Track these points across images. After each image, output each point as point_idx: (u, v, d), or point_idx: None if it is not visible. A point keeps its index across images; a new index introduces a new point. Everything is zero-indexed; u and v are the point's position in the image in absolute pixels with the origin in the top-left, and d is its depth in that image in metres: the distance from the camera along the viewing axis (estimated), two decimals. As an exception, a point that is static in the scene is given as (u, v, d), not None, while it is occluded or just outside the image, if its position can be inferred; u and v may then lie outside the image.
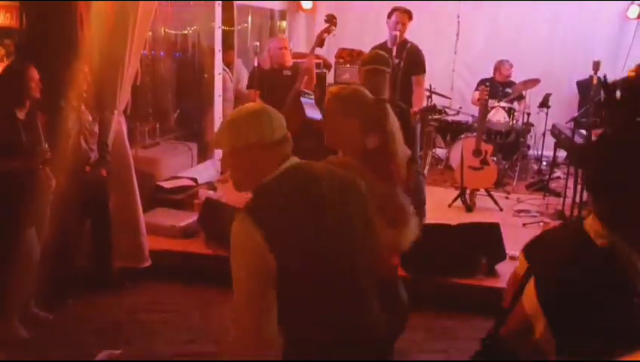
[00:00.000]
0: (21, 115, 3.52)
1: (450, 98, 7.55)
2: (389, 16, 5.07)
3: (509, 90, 7.09)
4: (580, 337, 1.32)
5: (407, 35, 5.12)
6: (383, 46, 5.07)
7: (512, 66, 7.19)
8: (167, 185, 5.46)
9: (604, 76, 3.84)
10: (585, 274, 1.35)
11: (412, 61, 5.06)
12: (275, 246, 1.63)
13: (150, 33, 4.93)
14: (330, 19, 5.24)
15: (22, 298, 3.64)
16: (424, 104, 5.43)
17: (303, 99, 5.27)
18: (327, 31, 5.22)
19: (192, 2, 5.89)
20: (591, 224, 1.40)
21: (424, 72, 5.19)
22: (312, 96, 5.42)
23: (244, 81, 6.26)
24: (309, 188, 1.78)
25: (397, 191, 2.29)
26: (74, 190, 3.81)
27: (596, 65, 6.44)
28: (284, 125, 1.83)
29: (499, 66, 7.20)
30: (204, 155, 6.51)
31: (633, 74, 3.83)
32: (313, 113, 5.39)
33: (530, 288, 1.47)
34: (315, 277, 1.71)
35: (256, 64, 5.35)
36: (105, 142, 4.16)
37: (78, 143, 3.91)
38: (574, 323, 1.33)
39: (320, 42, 5.24)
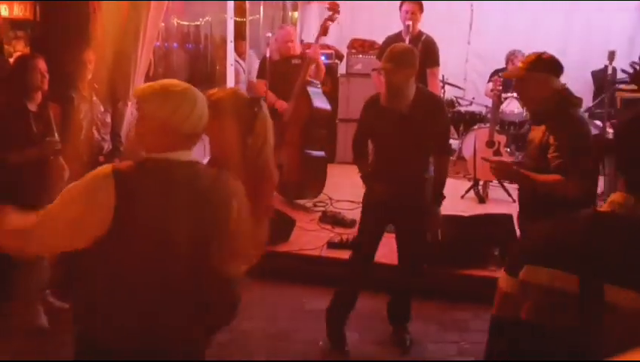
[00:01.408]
0: (32, 106, 3.53)
1: (463, 89, 7.50)
2: (400, 7, 5.06)
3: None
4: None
5: (420, 26, 5.10)
6: (397, 36, 5.06)
7: (524, 57, 7.12)
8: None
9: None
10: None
11: (427, 53, 5.04)
12: (119, 216, 1.70)
13: (162, 24, 4.93)
14: (333, 7, 5.23)
15: (37, 287, 3.67)
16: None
17: (310, 89, 5.26)
18: (331, 19, 5.21)
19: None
20: (619, 202, 1.36)
21: (438, 64, 5.19)
22: (319, 86, 5.42)
23: (256, 72, 6.26)
24: (177, 179, 1.81)
25: (266, 192, 2.20)
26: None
27: (611, 55, 6.36)
28: (202, 124, 1.84)
29: (511, 57, 7.13)
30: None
31: None
32: (321, 103, 5.39)
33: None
34: (136, 261, 1.75)
35: (267, 54, 5.35)
36: (118, 133, 4.18)
37: (90, 134, 3.94)
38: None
39: (324, 31, 5.24)
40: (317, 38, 5.32)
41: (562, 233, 1.38)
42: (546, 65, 2.83)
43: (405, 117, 3.29)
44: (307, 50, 5.48)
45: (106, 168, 1.76)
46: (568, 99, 2.87)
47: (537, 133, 2.87)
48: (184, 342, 1.88)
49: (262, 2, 7.33)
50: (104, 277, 1.78)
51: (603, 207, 1.37)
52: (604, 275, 1.25)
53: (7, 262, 3.42)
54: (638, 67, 3.27)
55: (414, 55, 3.33)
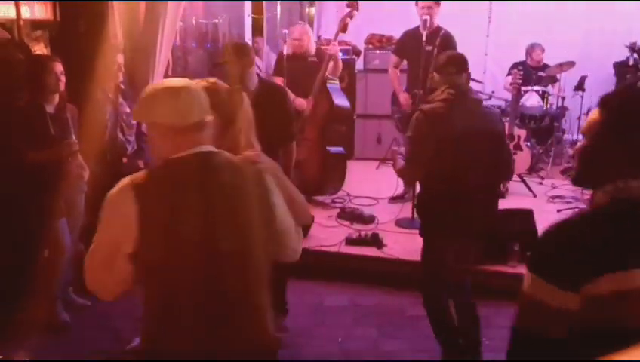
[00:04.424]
0: (50, 108, 3.56)
1: (482, 82, 7.43)
2: (416, 3, 5.03)
3: (542, 73, 6.94)
4: None
5: (438, 19, 5.07)
6: (415, 31, 5.03)
7: (543, 50, 7.03)
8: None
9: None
10: None
11: (445, 49, 5.00)
12: (144, 228, 1.67)
13: (181, 23, 4.97)
14: (352, 4, 5.20)
15: (58, 284, 3.73)
16: None
17: (329, 86, 5.26)
18: (350, 15, 5.19)
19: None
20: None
21: None
22: (337, 82, 5.41)
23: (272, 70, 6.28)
24: (201, 178, 1.75)
25: None
26: (110, 181, 3.88)
27: (633, 47, 6.26)
28: (204, 109, 1.80)
29: (530, 50, 7.05)
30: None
31: None
32: (340, 99, 5.38)
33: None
34: (176, 270, 1.70)
35: (284, 51, 5.35)
36: (144, 133, 4.22)
37: (114, 135, 3.98)
38: None
39: (343, 27, 5.21)
40: (335, 35, 5.32)
41: (592, 235, 1.34)
42: None
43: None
44: (325, 47, 5.47)
45: (124, 182, 1.74)
46: None
47: None
48: (254, 342, 1.81)
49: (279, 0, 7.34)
50: (160, 290, 1.74)
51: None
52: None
53: (29, 258, 3.49)
54: None
55: (249, 48, 3.58)
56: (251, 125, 2.20)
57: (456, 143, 3.02)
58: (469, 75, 3.22)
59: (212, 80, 2.20)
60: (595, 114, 1.54)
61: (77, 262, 3.90)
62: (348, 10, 5.20)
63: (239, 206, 1.78)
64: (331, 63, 5.16)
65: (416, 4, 5.04)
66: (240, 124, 2.15)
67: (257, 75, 3.57)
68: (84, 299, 3.88)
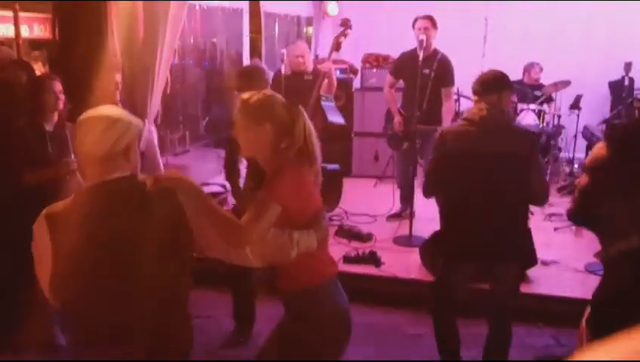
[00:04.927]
0: (49, 126, 3.56)
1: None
2: (413, 25, 5.10)
3: (538, 92, 7.00)
4: None
5: (434, 39, 5.13)
6: (412, 52, 5.08)
7: (541, 69, 7.10)
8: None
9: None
10: None
11: (442, 73, 5.09)
12: (55, 258, 1.76)
13: (179, 42, 5.00)
14: (345, 23, 5.29)
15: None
16: (452, 115, 5.42)
17: (323, 104, 5.29)
18: (344, 34, 5.27)
19: (220, 11, 5.95)
20: None
21: (453, 84, 5.25)
22: (332, 100, 5.45)
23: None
24: (107, 206, 1.82)
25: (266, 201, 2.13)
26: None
27: (628, 67, 6.32)
28: (110, 141, 1.84)
29: (528, 69, 7.12)
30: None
31: None
32: (335, 117, 5.41)
33: None
34: (86, 299, 1.79)
35: (282, 70, 5.39)
36: (141, 151, 4.22)
37: (111, 153, 3.98)
38: None
39: (337, 46, 5.29)
40: (330, 54, 5.37)
41: None
42: None
43: None
44: (319, 66, 5.51)
45: (42, 213, 1.85)
46: None
47: None
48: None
49: (277, 19, 7.39)
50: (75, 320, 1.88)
51: None
52: None
53: (27, 280, 3.47)
54: None
55: (262, 71, 3.63)
56: (310, 139, 2.22)
57: (469, 163, 3.02)
58: (504, 94, 3.07)
59: (269, 92, 2.27)
60: (601, 148, 1.54)
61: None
62: (341, 29, 5.27)
63: (145, 231, 1.82)
64: (326, 81, 5.19)
65: (413, 26, 5.09)
66: (297, 135, 2.18)
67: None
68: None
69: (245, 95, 2.19)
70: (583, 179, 2.21)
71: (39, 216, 1.82)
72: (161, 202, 1.86)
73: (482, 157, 2.99)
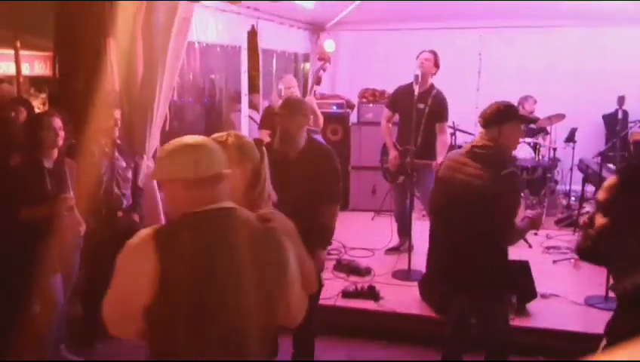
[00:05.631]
0: (48, 163, 3.58)
1: (473, 134, 7.53)
2: (417, 57, 5.20)
3: (533, 125, 7.06)
4: None
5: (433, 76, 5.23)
6: (408, 87, 5.15)
7: (535, 102, 7.18)
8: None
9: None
10: None
11: (437, 108, 5.17)
12: (164, 277, 1.64)
13: (178, 80, 5.06)
14: (324, 57, 5.45)
15: (49, 341, 3.67)
16: (447, 149, 5.48)
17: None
18: (323, 68, 5.45)
19: (218, 48, 6.05)
20: None
21: (447, 119, 5.32)
22: (319, 132, 5.51)
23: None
24: (226, 234, 1.75)
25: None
26: (106, 235, 3.88)
27: (621, 100, 6.40)
28: (217, 163, 1.78)
29: (522, 102, 7.20)
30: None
31: None
32: None
33: None
34: (189, 322, 1.68)
35: (272, 104, 5.47)
36: (140, 187, 4.25)
37: (110, 189, 3.99)
38: None
39: (317, 80, 5.44)
40: (310, 88, 5.53)
41: None
42: None
43: (293, 162, 3.40)
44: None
45: (144, 233, 1.72)
46: None
47: None
48: None
49: (275, 55, 7.50)
50: (168, 345, 1.70)
51: None
52: None
53: (23, 314, 3.45)
54: None
55: (307, 106, 3.65)
56: (268, 178, 2.20)
57: (447, 189, 3.09)
58: (505, 127, 3.06)
59: (236, 133, 2.21)
60: (612, 179, 1.56)
61: (70, 318, 3.86)
62: (320, 63, 5.41)
63: (254, 265, 1.76)
64: (312, 116, 5.26)
65: (417, 58, 5.20)
66: (264, 176, 2.16)
67: (307, 133, 3.57)
68: (76, 355, 3.80)
69: (215, 135, 2.13)
70: (597, 218, 2.21)
71: (143, 236, 1.70)
72: (269, 239, 1.82)
73: (456, 185, 3.07)
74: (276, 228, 1.88)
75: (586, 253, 2.13)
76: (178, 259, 1.67)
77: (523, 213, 3.25)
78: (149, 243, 1.67)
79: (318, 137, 5.44)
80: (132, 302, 1.68)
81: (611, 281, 2.32)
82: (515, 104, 7.14)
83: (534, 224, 3.17)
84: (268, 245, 1.81)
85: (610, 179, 1.93)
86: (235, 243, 1.74)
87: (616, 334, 2.25)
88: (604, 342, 2.33)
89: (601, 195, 2.18)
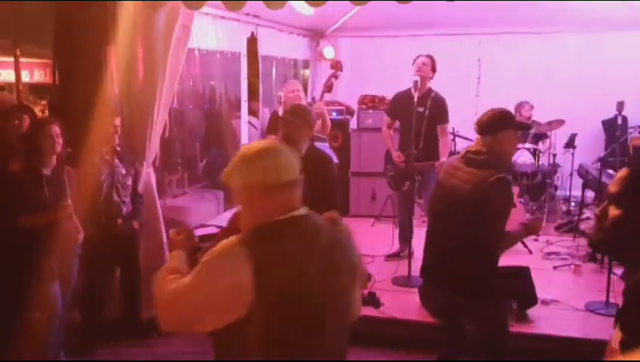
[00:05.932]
0: (47, 171, 3.58)
1: (473, 140, 7.53)
2: (414, 62, 5.21)
3: (532, 131, 7.06)
4: None
5: (431, 80, 5.24)
6: (407, 92, 5.16)
7: (532, 108, 7.18)
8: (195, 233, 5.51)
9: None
10: None
11: (437, 110, 5.17)
12: (259, 286, 1.61)
13: (178, 86, 5.07)
14: (335, 65, 5.43)
15: (48, 348, 3.66)
16: (449, 151, 5.50)
17: (317, 144, 5.34)
18: (334, 76, 5.43)
19: (218, 55, 6.06)
20: None
21: (448, 120, 5.32)
22: (326, 140, 5.50)
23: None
24: (310, 240, 1.75)
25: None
26: (105, 242, 3.88)
27: (620, 106, 6.41)
28: (296, 168, 1.78)
29: (519, 108, 7.20)
30: (230, 203, 6.58)
31: None
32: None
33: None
34: (288, 329, 1.68)
35: (279, 111, 5.46)
36: (140, 194, 4.24)
37: (110, 196, 3.99)
38: None
39: (329, 88, 5.44)
40: (321, 95, 5.51)
41: None
42: None
43: None
44: (312, 107, 5.60)
45: (231, 244, 1.68)
46: None
47: None
48: None
49: (274, 61, 7.52)
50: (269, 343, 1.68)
51: None
52: None
53: (22, 321, 3.44)
54: None
55: (313, 117, 3.71)
56: None
57: (441, 192, 3.12)
58: (500, 135, 3.09)
59: (275, 138, 2.24)
60: (623, 171, 1.57)
61: (68, 325, 3.85)
62: (332, 71, 5.40)
63: (340, 269, 1.79)
64: (319, 122, 5.26)
65: (414, 63, 5.20)
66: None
67: (310, 141, 3.60)
68: (75, 363, 3.80)
69: (247, 146, 2.17)
70: (610, 210, 2.24)
71: (231, 245, 1.67)
72: (342, 242, 1.85)
73: (449, 189, 3.11)
74: (345, 230, 1.92)
75: (600, 245, 2.14)
76: (272, 269, 1.64)
77: (524, 219, 3.25)
78: (240, 253, 1.65)
79: (325, 144, 5.46)
80: (217, 309, 1.65)
81: (622, 271, 2.33)
82: (512, 110, 7.22)
83: (530, 230, 3.17)
84: (342, 248, 1.83)
85: (622, 171, 1.94)
86: (320, 251, 1.75)
87: (629, 329, 2.23)
88: (618, 332, 2.30)
89: (613, 188, 2.20)
